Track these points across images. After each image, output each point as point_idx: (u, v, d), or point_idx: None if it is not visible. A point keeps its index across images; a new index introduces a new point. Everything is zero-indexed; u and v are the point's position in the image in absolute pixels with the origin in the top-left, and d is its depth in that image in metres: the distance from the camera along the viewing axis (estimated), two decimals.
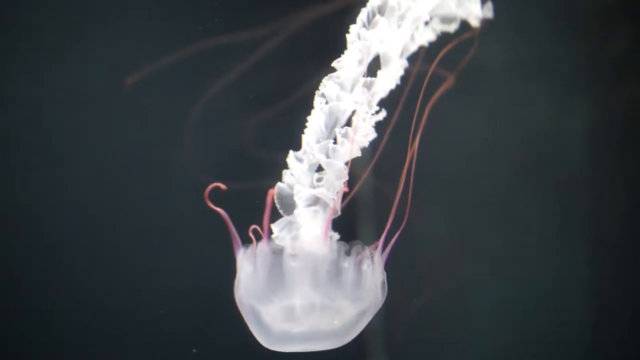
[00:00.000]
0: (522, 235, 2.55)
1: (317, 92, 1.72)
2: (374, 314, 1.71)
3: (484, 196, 2.54)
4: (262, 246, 1.66)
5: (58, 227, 2.34)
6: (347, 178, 1.68)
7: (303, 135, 1.71)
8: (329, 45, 1.87)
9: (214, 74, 2.35)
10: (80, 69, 2.29)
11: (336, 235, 1.71)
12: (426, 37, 1.95)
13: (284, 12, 2.34)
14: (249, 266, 1.66)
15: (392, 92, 1.84)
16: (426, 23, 1.90)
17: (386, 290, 1.71)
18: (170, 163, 2.37)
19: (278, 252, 1.66)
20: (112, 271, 2.36)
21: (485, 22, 2.04)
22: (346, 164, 1.68)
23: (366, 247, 1.69)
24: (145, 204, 2.37)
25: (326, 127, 1.71)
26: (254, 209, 1.73)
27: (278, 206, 1.72)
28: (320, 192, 1.67)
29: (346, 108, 1.71)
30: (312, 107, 1.73)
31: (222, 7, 2.37)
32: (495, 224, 2.56)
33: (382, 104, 1.80)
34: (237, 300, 1.71)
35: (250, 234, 1.66)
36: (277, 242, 1.67)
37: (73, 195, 2.34)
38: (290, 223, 1.69)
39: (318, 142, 1.71)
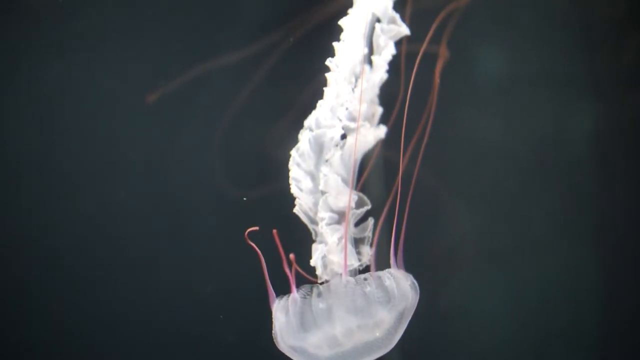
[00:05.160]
0: (532, 234, 2.58)
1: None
2: (412, 312, 1.75)
3: (495, 196, 2.57)
4: (293, 296, 1.70)
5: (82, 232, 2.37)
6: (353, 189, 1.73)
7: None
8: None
9: (234, 84, 2.38)
10: (105, 79, 2.32)
11: (366, 253, 1.75)
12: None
13: (295, 14, 2.35)
14: (282, 316, 1.71)
15: (395, 93, 1.87)
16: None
17: (417, 287, 1.75)
18: (196, 172, 2.40)
19: (307, 296, 1.70)
20: (136, 278, 2.39)
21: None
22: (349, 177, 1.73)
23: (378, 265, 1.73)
24: (173, 211, 2.40)
25: (314, 152, 1.76)
26: (277, 215, 1.77)
27: (307, 224, 1.78)
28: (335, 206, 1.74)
29: (333, 135, 1.75)
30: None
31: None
32: (504, 223, 2.58)
33: (389, 107, 1.83)
34: (279, 345, 1.74)
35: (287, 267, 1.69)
36: (316, 268, 1.73)
37: (95, 203, 2.37)
38: (322, 248, 1.74)
39: (306, 169, 1.75)
